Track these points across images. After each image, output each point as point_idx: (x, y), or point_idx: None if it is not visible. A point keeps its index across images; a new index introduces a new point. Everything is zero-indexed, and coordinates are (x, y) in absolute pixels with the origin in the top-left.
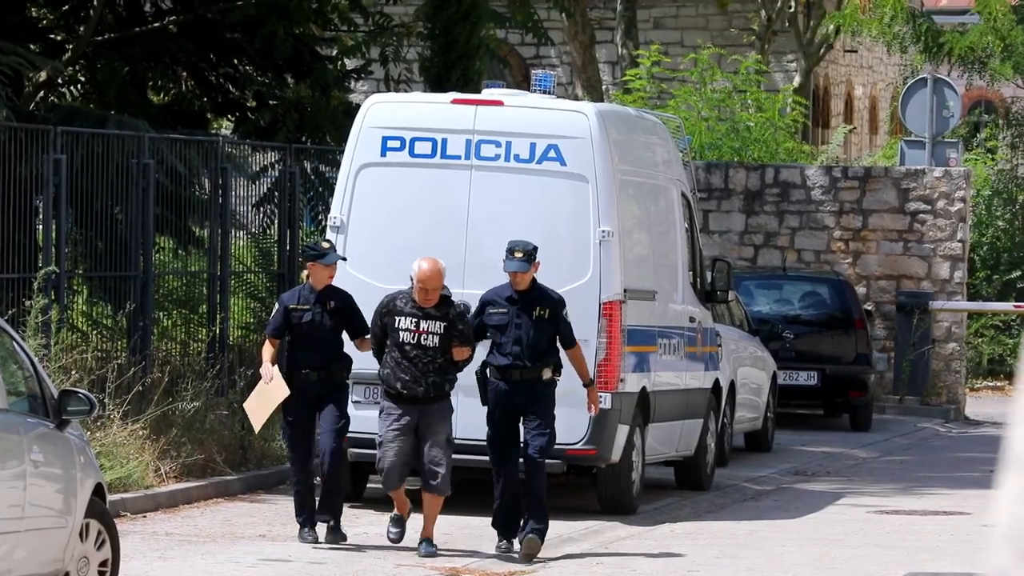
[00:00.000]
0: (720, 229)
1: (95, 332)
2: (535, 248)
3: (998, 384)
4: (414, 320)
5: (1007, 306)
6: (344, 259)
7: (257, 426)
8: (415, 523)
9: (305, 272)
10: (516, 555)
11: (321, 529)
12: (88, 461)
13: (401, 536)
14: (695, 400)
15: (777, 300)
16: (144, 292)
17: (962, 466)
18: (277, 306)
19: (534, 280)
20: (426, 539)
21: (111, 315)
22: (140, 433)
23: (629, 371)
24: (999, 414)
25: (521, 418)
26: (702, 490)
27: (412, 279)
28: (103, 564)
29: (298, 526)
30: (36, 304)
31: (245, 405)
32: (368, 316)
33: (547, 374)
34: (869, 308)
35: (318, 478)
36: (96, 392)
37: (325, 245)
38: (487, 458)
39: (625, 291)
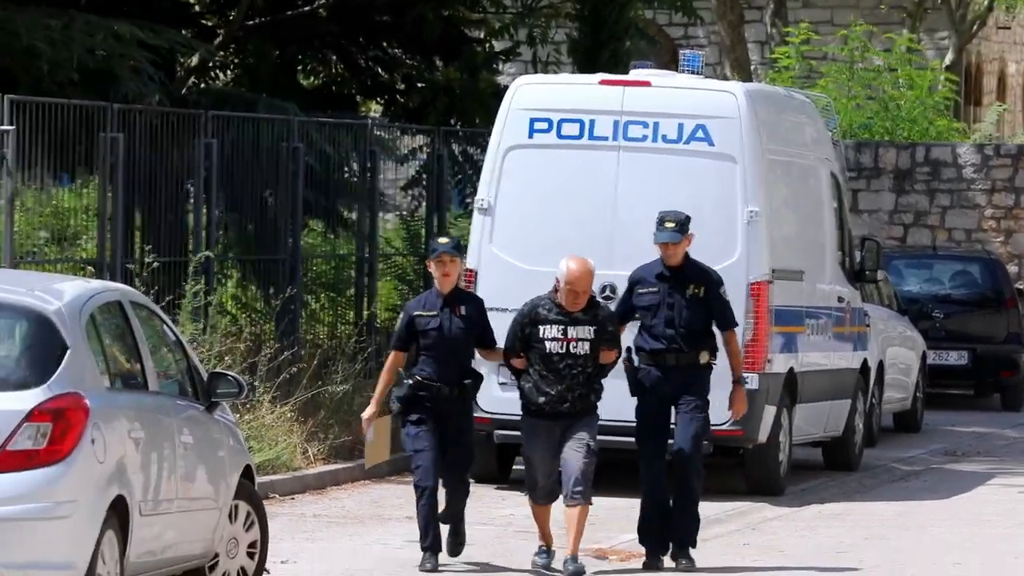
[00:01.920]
0: (869, 208)
1: (245, 315)
2: (687, 218)
3: None
4: (561, 328)
5: None
6: (455, 250)
7: (372, 464)
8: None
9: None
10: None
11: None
12: (237, 443)
13: (548, 565)
14: (843, 380)
15: (927, 279)
16: (293, 275)
17: None
18: (402, 315)
19: (687, 255)
20: (571, 556)
21: (260, 298)
22: (289, 415)
23: (776, 351)
24: None
25: (673, 407)
26: (850, 471)
27: (558, 281)
28: (252, 545)
29: (420, 550)
30: (191, 288)
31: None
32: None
33: (704, 358)
34: (1021, 287)
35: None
36: (247, 375)
37: (442, 240)
38: (631, 439)
39: (773, 271)
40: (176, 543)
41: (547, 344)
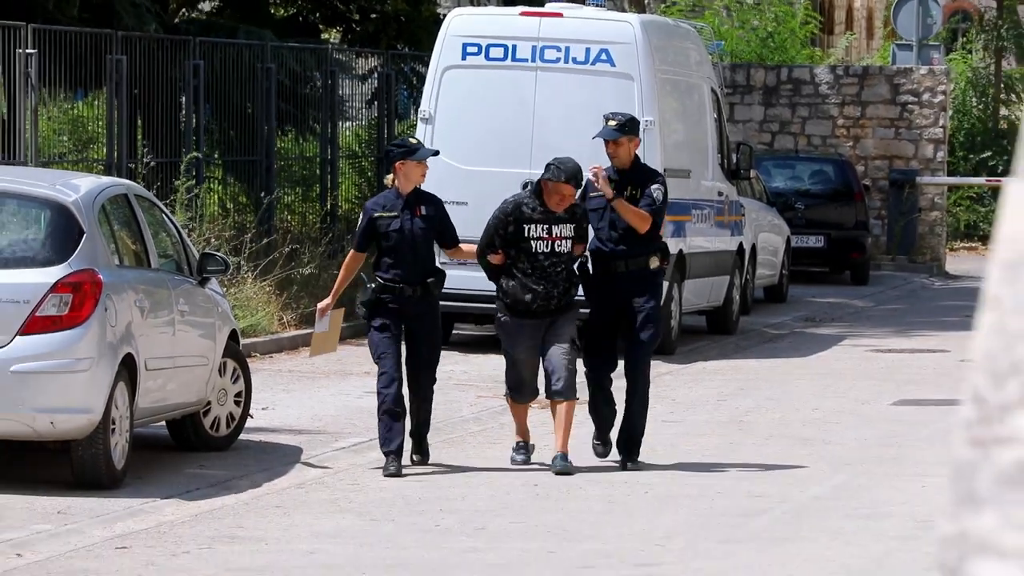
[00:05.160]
0: (743, 119)
1: (232, 206)
2: (630, 119)
3: (972, 245)
4: (545, 227)
5: (980, 180)
6: (436, 152)
7: (317, 354)
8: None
9: (390, 176)
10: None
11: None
12: (225, 311)
13: (527, 460)
14: (723, 260)
15: (791, 177)
16: (268, 173)
17: (944, 312)
18: (362, 216)
19: (638, 160)
20: (561, 453)
21: (243, 192)
22: (267, 289)
23: (668, 237)
24: (974, 269)
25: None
26: (729, 334)
27: (546, 183)
28: (238, 395)
29: (383, 455)
30: (182, 183)
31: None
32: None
33: (654, 262)
34: (867, 183)
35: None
36: (232, 256)
37: (413, 141)
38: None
39: (665, 170)
40: (176, 393)
41: (533, 243)
